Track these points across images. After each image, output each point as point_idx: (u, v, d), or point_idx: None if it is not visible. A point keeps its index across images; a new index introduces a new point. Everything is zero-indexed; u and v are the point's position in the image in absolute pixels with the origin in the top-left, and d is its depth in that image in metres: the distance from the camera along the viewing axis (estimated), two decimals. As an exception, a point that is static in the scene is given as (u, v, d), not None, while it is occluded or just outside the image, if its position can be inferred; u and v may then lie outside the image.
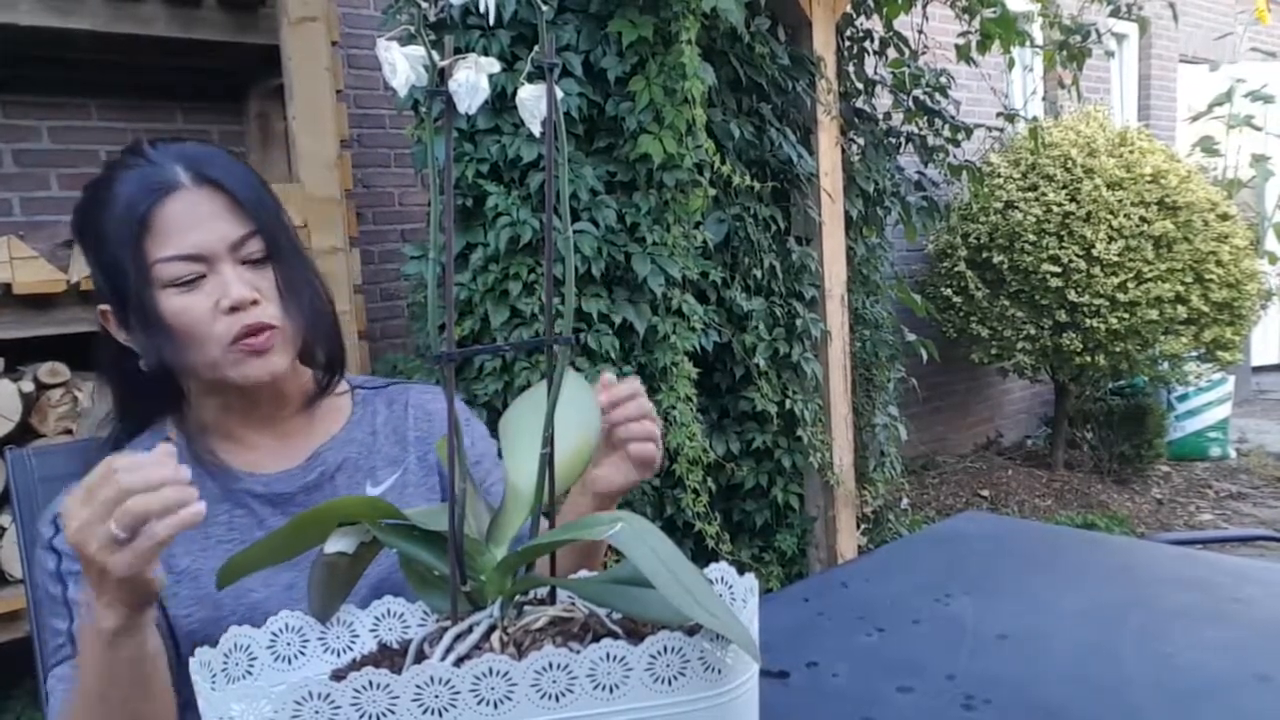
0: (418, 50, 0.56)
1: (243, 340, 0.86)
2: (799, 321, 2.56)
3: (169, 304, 0.85)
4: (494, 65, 0.58)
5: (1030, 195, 3.99)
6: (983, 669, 0.94)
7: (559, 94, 0.61)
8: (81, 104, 2.52)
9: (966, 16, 2.96)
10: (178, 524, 0.63)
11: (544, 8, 0.58)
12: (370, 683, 0.49)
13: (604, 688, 0.52)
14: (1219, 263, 3.86)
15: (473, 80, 0.57)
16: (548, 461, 0.63)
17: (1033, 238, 3.91)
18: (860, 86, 3.02)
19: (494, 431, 1.06)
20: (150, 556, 0.63)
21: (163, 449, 0.65)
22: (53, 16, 2.05)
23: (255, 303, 0.87)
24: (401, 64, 0.56)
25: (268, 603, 0.88)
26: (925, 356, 3.15)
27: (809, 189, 2.64)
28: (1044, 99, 5.31)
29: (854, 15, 2.92)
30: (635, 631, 0.61)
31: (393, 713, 0.50)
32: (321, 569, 0.66)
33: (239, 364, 0.87)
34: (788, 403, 2.55)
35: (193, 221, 0.85)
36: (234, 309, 0.85)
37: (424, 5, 0.57)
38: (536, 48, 0.59)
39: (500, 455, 0.76)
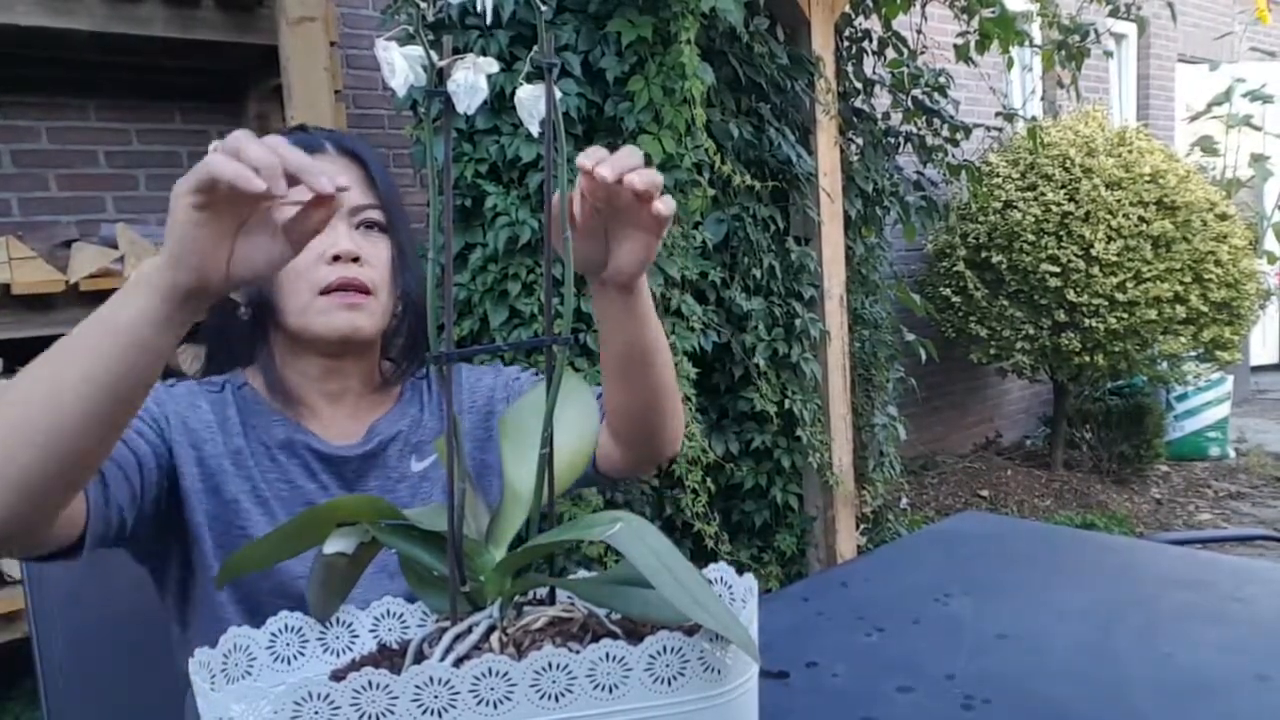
0: (416, 50, 0.56)
1: (335, 290, 0.90)
2: (798, 321, 2.56)
3: None
4: (492, 65, 0.58)
5: (1029, 195, 3.99)
6: (982, 669, 0.94)
7: (557, 94, 0.61)
8: (80, 104, 2.52)
9: (965, 16, 2.96)
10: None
11: (542, 8, 0.58)
12: (370, 683, 0.49)
13: (603, 688, 0.52)
14: (1218, 262, 3.86)
15: (471, 80, 0.57)
16: (547, 462, 0.63)
17: (1031, 237, 3.92)
18: (859, 86, 3.02)
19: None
20: (232, 219, 0.61)
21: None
22: (51, 17, 2.05)
23: (357, 260, 0.92)
24: (400, 64, 0.56)
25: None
26: (924, 356, 3.15)
27: (808, 189, 2.64)
28: (1043, 99, 5.31)
29: (852, 15, 2.92)
30: (635, 632, 0.61)
31: (392, 713, 0.50)
32: (321, 569, 0.66)
33: (325, 312, 0.91)
34: (787, 403, 2.55)
35: None
36: (336, 259, 0.90)
37: (422, 5, 0.57)
38: (535, 48, 0.59)
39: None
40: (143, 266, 0.61)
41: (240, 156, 0.59)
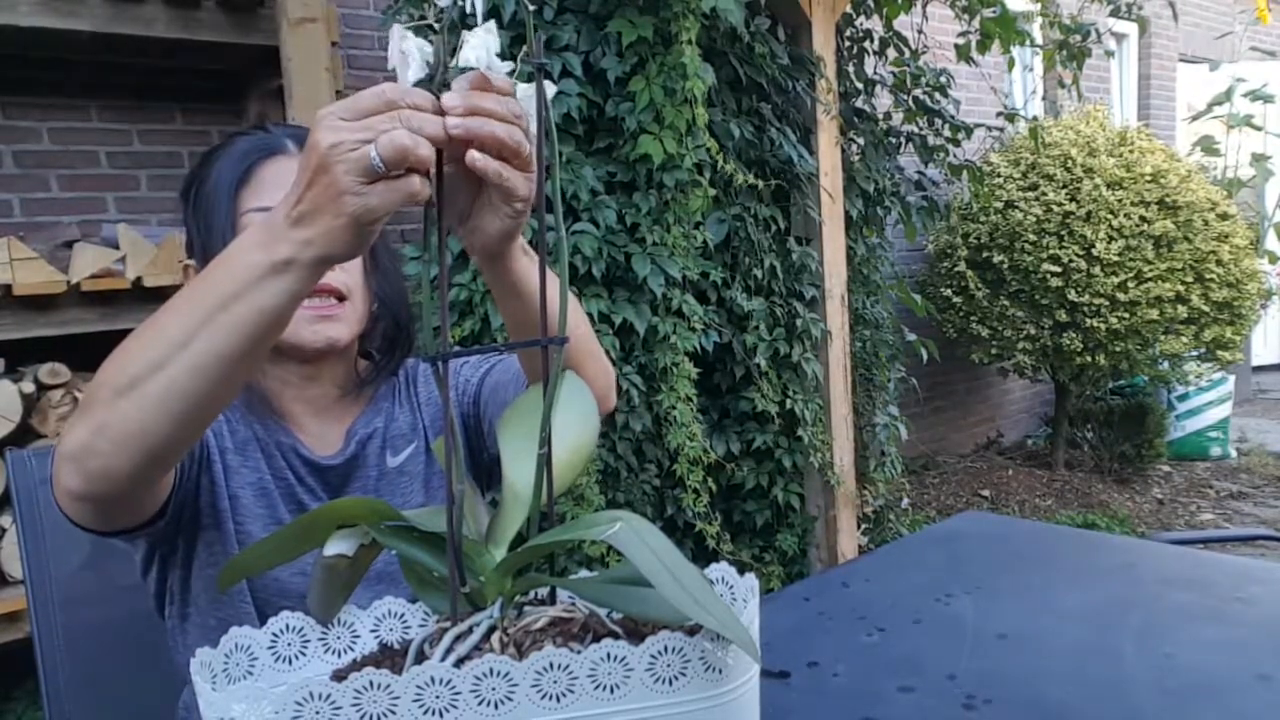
0: (426, 45, 0.56)
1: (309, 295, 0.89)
2: (799, 321, 2.56)
3: None
4: (484, 26, 0.57)
5: (1030, 195, 3.99)
6: (983, 669, 0.94)
7: (553, 92, 0.61)
8: (81, 105, 2.52)
9: (966, 16, 2.96)
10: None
11: (531, 7, 0.58)
12: (371, 683, 0.49)
13: (605, 688, 0.52)
14: (1219, 262, 3.86)
15: (477, 44, 0.57)
16: (546, 462, 0.63)
17: (1033, 237, 3.92)
18: (860, 86, 3.02)
19: (494, 431, 1.06)
20: (397, 202, 0.57)
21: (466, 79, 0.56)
22: (53, 17, 2.05)
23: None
24: (416, 56, 0.56)
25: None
26: (925, 356, 3.15)
27: (809, 189, 2.64)
28: (1044, 98, 5.31)
29: (854, 15, 2.93)
30: (636, 632, 0.61)
31: (393, 713, 0.50)
32: (322, 571, 0.66)
33: (299, 324, 0.89)
34: (788, 403, 2.55)
35: (289, 180, 0.86)
36: None
37: (419, 9, 0.57)
38: (524, 48, 0.59)
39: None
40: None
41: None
